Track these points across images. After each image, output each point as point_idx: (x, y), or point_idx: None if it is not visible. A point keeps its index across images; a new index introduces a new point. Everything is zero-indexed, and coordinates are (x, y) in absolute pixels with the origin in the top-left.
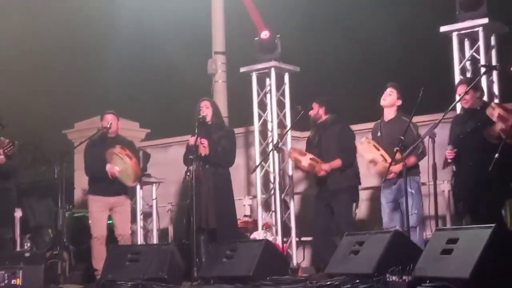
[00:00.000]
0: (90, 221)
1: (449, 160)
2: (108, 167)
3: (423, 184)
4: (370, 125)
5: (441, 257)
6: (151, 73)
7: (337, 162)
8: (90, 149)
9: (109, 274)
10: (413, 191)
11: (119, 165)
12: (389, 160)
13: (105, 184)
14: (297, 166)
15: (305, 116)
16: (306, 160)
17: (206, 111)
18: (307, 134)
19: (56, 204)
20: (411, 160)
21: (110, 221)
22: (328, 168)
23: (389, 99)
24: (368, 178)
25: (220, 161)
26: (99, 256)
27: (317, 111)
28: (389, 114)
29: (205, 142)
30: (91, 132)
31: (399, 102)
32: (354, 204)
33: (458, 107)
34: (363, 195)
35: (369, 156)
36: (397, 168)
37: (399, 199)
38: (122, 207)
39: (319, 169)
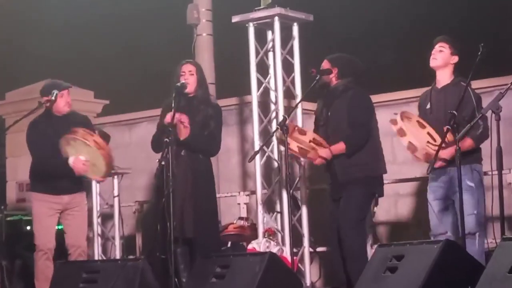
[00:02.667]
0: (34, 228)
1: None
2: (72, 160)
3: (485, 174)
4: (407, 93)
5: (510, 277)
6: (108, 25)
7: (340, 146)
8: (35, 133)
9: None
10: (472, 185)
11: (84, 154)
12: (438, 140)
13: (55, 178)
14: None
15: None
16: (301, 141)
17: (189, 78)
18: None
19: None
20: (467, 143)
21: (60, 227)
22: (327, 155)
23: (441, 56)
24: (410, 166)
25: (204, 148)
26: (43, 275)
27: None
28: (444, 77)
29: (185, 119)
30: (28, 104)
31: (455, 59)
32: (373, 201)
33: None
34: (403, 188)
35: (408, 139)
36: (448, 153)
37: (452, 195)
38: (77, 208)
39: (314, 156)
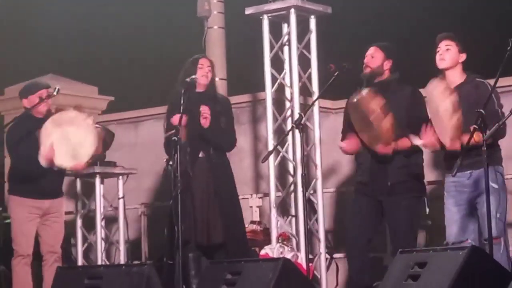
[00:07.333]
0: (13, 233)
1: None
2: (42, 151)
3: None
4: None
5: None
6: (114, 18)
7: (405, 142)
8: (17, 134)
9: None
10: (496, 186)
11: (70, 134)
12: None
13: (39, 181)
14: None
15: (340, 78)
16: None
17: (208, 73)
18: (341, 104)
19: None
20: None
21: None
22: (393, 147)
23: (449, 56)
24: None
25: (221, 141)
26: (21, 281)
27: (381, 63)
28: (455, 77)
29: (206, 110)
30: None
31: (463, 57)
32: (425, 203)
33: None
34: None
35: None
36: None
37: (476, 198)
38: (56, 214)
39: (386, 135)
